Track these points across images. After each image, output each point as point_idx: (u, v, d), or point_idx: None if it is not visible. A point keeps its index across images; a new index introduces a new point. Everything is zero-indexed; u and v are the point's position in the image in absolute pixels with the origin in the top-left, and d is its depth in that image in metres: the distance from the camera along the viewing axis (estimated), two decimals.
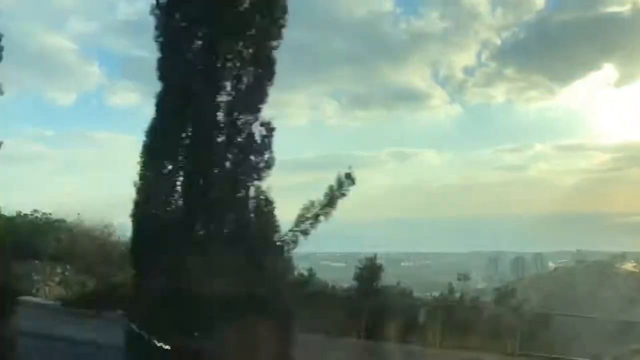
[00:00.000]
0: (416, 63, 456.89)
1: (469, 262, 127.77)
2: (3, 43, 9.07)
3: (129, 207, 8.01)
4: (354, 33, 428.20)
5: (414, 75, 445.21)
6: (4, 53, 8.93)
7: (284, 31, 8.80)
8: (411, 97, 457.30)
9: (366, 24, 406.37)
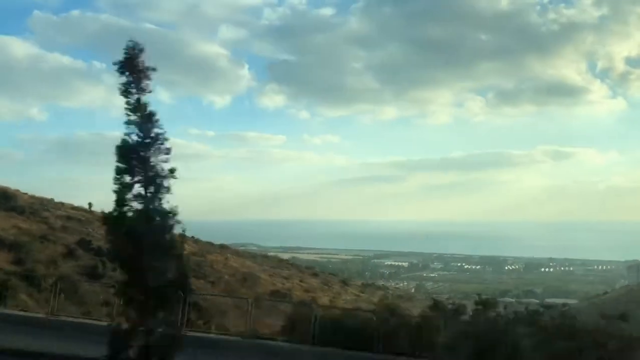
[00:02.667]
0: (569, 55, 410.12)
1: (617, 271, 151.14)
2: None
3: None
4: (498, 26, 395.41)
5: (568, 69, 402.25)
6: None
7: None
8: (565, 92, 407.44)
9: (511, 16, 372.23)
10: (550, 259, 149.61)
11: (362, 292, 52.73)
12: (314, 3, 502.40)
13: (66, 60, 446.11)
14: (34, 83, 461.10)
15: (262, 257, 52.90)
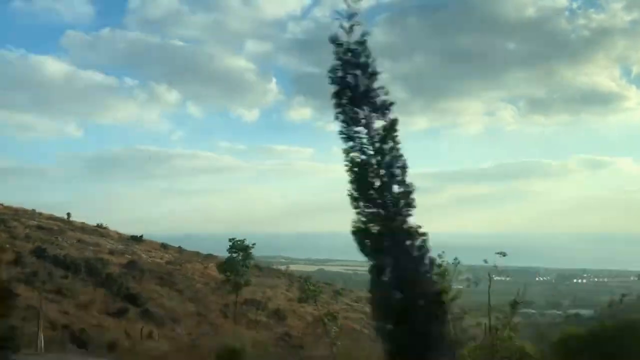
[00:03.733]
0: (601, 61, 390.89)
1: None
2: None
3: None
4: (526, 33, 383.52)
5: (600, 75, 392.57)
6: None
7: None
8: (599, 100, 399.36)
9: (539, 23, 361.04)
10: (584, 270, 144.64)
11: (356, 302, 51.86)
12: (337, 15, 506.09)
13: (99, 77, 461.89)
14: (70, 101, 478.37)
15: (253, 268, 52.55)
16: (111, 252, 35.51)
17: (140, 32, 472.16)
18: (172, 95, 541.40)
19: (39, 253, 28.60)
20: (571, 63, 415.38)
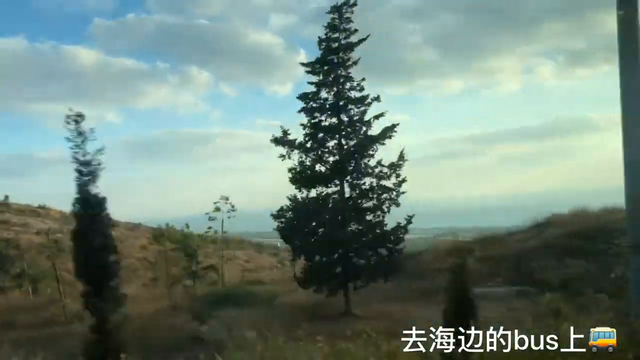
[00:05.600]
0: None
1: None
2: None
3: None
4: None
5: None
6: None
7: None
8: None
9: None
10: None
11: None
12: None
13: (130, 63, 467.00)
14: (106, 88, 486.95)
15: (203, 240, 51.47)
16: (38, 232, 35.01)
17: (164, 15, 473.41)
18: (203, 77, 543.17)
19: None
20: (611, 9, 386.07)
